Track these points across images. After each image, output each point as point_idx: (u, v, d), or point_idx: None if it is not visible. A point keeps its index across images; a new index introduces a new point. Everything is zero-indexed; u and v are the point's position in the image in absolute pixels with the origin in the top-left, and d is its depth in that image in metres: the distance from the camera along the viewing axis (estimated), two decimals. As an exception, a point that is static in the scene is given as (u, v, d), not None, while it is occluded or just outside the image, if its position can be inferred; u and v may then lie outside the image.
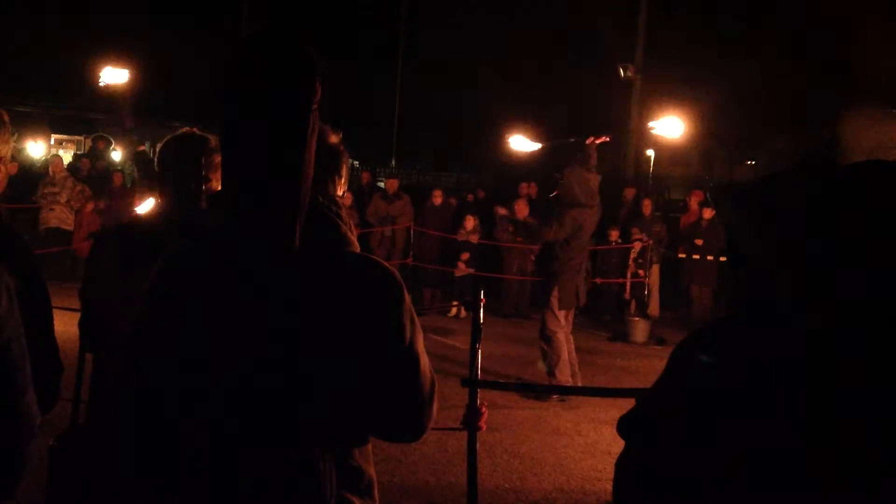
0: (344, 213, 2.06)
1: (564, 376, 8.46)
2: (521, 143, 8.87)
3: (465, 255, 13.87)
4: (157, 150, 3.35)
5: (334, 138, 2.12)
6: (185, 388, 1.88)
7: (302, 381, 1.86)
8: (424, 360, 2.00)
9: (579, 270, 8.77)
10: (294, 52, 1.92)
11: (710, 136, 29.16)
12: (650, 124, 9.00)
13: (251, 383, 1.85)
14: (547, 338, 8.60)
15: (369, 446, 2.08)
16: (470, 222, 14.01)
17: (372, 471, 2.06)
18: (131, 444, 1.94)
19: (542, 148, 9.09)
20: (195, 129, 3.36)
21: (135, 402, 1.94)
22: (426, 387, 2.00)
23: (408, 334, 1.94)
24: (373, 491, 2.05)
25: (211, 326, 1.88)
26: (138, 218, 3.47)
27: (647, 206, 14.58)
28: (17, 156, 18.67)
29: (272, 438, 1.86)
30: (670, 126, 8.78)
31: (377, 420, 1.99)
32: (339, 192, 2.16)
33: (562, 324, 8.61)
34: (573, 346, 8.85)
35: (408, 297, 1.99)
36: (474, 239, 13.98)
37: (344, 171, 2.17)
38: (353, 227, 2.08)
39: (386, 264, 2.00)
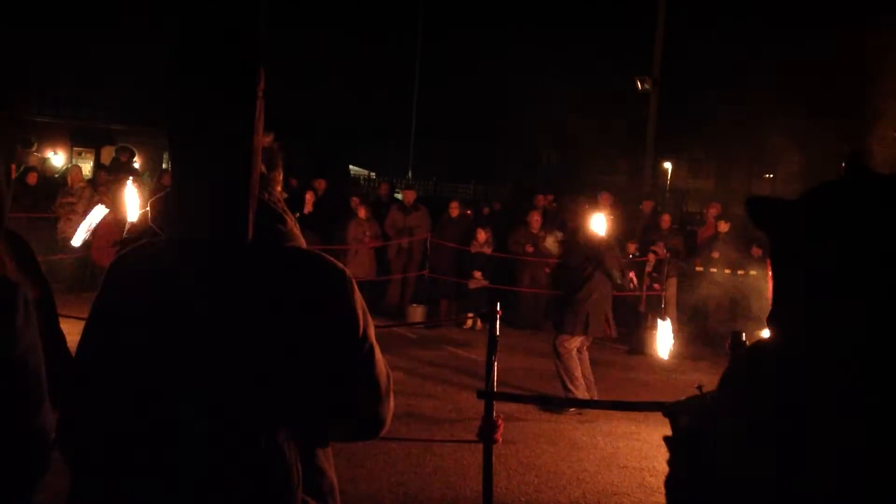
0: (287, 211, 2.06)
1: (580, 391, 8.45)
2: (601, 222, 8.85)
3: (478, 274, 13.84)
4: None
5: (267, 139, 2.12)
6: (140, 387, 1.87)
7: (260, 375, 1.85)
8: (379, 353, 1.99)
9: (601, 299, 8.83)
10: (235, 41, 1.91)
11: (727, 149, 29.09)
12: None
13: (208, 380, 1.84)
14: (558, 353, 8.62)
15: (329, 449, 2.06)
16: (481, 235, 13.99)
17: (333, 475, 2.03)
18: (96, 444, 1.91)
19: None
20: None
21: (93, 407, 1.92)
22: (383, 379, 1.98)
23: (361, 325, 1.94)
24: (335, 494, 2.02)
25: (164, 325, 1.87)
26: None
27: (665, 220, 14.53)
28: (38, 166, 18.79)
29: (234, 433, 1.84)
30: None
31: (337, 414, 1.96)
32: (278, 189, 2.15)
33: (575, 343, 8.63)
34: (588, 361, 8.85)
35: (357, 290, 1.98)
36: (488, 250, 13.96)
37: (280, 169, 2.16)
38: (296, 222, 2.08)
39: (332, 259, 1.99)
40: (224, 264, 1.89)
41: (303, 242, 2.02)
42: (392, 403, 2.03)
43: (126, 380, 1.88)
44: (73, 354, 2.01)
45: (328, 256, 2.00)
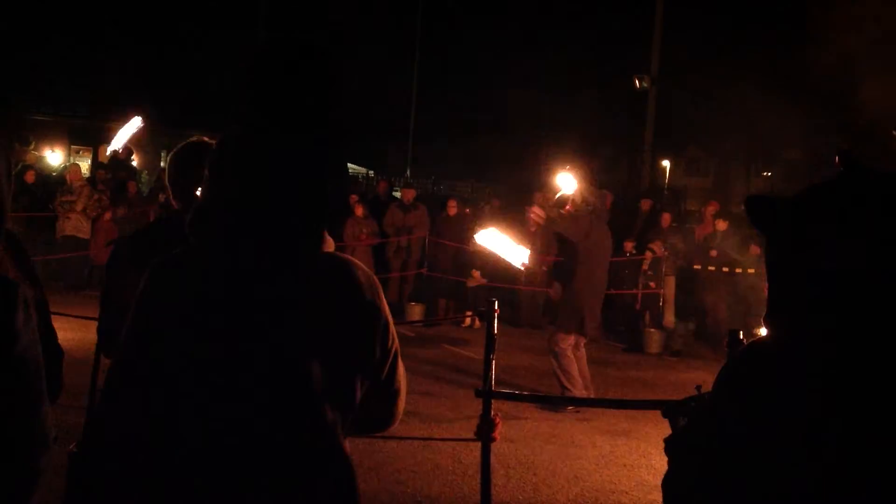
0: None
1: (577, 389, 8.45)
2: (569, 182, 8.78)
3: (476, 274, 13.84)
4: (169, 158, 3.38)
5: None
6: (197, 391, 1.87)
7: (309, 377, 1.88)
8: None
9: (593, 295, 8.80)
10: (324, 61, 1.97)
11: (725, 147, 29.10)
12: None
13: (264, 382, 1.86)
14: (554, 353, 8.61)
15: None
16: (480, 234, 13.98)
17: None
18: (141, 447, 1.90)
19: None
20: (204, 138, 3.39)
21: (140, 414, 1.90)
22: (404, 377, 2.11)
23: (391, 326, 2.03)
24: None
25: (222, 328, 1.88)
26: (153, 224, 3.50)
27: (665, 220, 14.50)
28: (35, 164, 18.79)
29: (303, 435, 1.88)
30: (564, 181, 8.73)
31: (367, 410, 2.02)
32: None
33: (570, 341, 8.62)
34: (585, 360, 8.84)
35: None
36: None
37: None
38: None
39: (362, 265, 2.07)
40: (283, 270, 1.92)
41: (332, 246, 2.05)
42: (405, 401, 2.16)
43: (181, 385, 1.88)
44: (107, 356, 1.97)
45: (358, 262, 2.07)
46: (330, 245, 2.03)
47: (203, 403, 1.87)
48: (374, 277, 2.05)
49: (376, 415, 2.10)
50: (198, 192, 3.22)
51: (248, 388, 1.87)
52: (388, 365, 2.03)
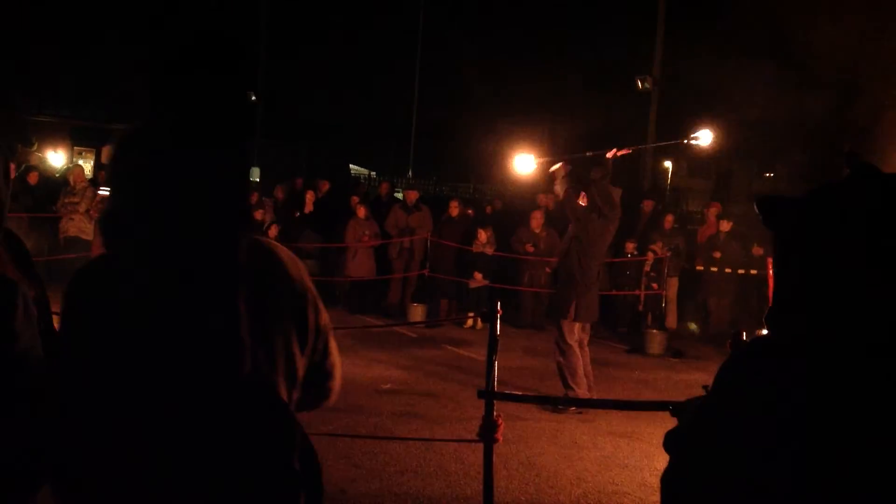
0: None
1: (581, 389, 8.43)
2: (527, 163, 8.84)
3: (479, 275, 13.84)
4: None
5: None
6: (134, 389, 1.83)
7: (257, 359, 1.89)
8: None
9: (595, 283, 8.77)
10: (231, 47, 1.99)
11: (728, 148, 29.07)
12: (692, 136, 9.03)
13: (215, 372, 1.85)
14: (562, 350, 8.59)
15: None
16: (482, 235, 13.99)
17: None
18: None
19: (560, 164, 9.05)
20: None
21: (82, 420, 1.86)
22: (338, 353, 2.18)
23: (321, 304, 2.10)
24: None
25: (160, 325, 1.85)
26: None
27: (668, 221, 14.49)
28: (38, 165, 18.82)
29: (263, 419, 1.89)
30: (705, 137, 8.85)
31: (306, 386, 2.06)
32: None
33: (576, 336, 8.59)
34: (589, 359, 8.82)
35: None
36: (489, 250, 13.97)
37: None
38: None
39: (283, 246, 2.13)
40: (216, 260, 1.92)
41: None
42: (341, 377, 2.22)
43: (125, 386, 1.84)
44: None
45: (280, 245, 2.13)
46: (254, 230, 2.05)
47: (150, 399, 1.82)
48: (297, 258, 2.10)
49: (314, 391, 2.13)
50: None
51: (198, 378, 1.84)
52: (321, 340, 2.08)
